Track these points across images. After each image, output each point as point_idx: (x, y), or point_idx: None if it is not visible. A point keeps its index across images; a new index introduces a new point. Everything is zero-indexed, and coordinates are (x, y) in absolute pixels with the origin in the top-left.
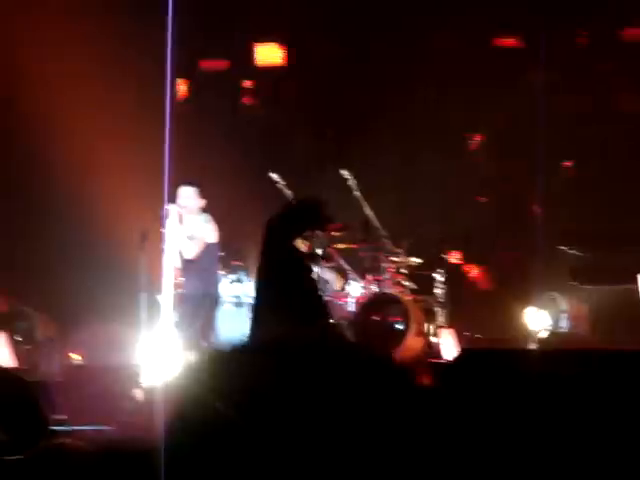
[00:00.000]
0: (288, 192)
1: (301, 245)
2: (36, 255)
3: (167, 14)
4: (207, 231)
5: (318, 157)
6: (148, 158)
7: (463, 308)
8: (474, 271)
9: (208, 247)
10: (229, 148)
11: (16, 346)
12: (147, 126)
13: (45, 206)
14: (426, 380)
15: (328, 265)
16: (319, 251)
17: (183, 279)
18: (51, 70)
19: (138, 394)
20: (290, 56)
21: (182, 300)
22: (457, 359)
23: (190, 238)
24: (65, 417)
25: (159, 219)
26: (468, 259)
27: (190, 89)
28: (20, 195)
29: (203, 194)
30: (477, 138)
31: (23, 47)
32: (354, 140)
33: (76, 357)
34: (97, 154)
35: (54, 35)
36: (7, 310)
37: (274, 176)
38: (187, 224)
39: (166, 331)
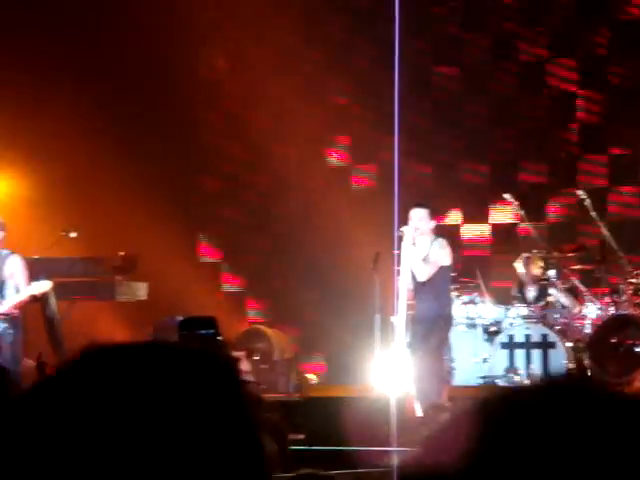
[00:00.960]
0: (522, 212)
1: (536, 268)
2: (276, 279)
3: None
4: (442, 256)
5: (552, 177)
6: (379, 183)
7: None
8: None
9: (442, 269)
10: (461, 168)
11: (254, 365)
12: (376, 150)
13: (285, 234)
14: None
15: (564, 286)
16: (553, 272)
17: (416, 301)
18: (286, 98)
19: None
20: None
21: (415, 321)
22: None
23: (424, 261)
24: (302, 436)
25: (392, 241)
26: None
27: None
28: (267, 228)
29: (434, 215)
30: None
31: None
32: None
33: (312, 377)
34: (331, 180)
35: None
36: (246, 330)
37: (507, 196)
38: (420, 246)
39: (399, 352)
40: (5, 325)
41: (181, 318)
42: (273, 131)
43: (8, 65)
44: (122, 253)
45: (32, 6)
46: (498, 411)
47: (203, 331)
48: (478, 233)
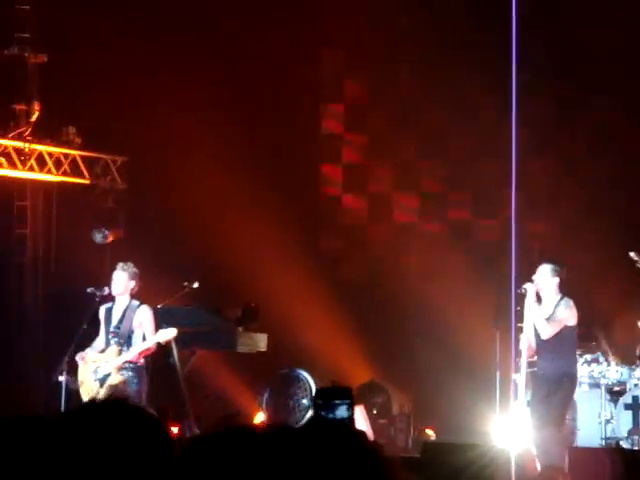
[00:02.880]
0: None
1: None
2: (395, 334)
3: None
4: (568, 316)
5: None
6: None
7: None
8: None
9: (567, 328)
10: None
11: (373, 419)
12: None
13: (400, 293)
14: None
15: None
16: None
17: (538, 359)
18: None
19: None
20: None
21: (537, 380)
22: None
23: (549, 319)
24: None
25: (513, 297)
26: None
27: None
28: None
29: (560, 273)
30: None
31: None
32: None
33: (431, 433)
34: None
35: None
36: (365, 383)
37: (633, 255)
38: (545, 303)
39: (521, 410)
40: (131, 374)
41: (302, 371)
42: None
43: None
44: (243, 304)
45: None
46: None
47: (338, 401)
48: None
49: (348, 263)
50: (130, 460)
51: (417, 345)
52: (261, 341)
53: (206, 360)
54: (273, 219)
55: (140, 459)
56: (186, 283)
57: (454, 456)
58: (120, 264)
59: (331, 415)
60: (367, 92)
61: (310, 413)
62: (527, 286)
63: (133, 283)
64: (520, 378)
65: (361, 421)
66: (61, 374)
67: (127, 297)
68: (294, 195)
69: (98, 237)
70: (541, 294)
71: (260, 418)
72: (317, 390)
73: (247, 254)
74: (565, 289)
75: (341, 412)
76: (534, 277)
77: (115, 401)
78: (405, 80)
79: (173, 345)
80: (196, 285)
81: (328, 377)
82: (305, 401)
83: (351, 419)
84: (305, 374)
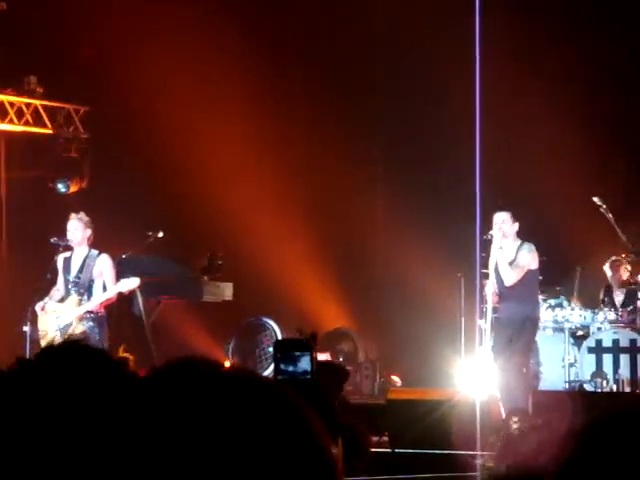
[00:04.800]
0: (609, 216)
1: (624, 272)
2: (361, 282)
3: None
4: (531, 260)
5: None
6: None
7: None
8: None
9: (529, 273)
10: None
11: None
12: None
13: (365, 241)
14: None
15: None
16: None
17: (502, 304)
18: None
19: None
20: None
21: (500, 325)
22: None
23: (511, 265)
24: (386, 438)
25: (477, 244)
26: None
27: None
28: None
29: (516, 218)
30: None
31: None
32: None
33: (396, 379)
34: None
35: None
36: (331, 331)
37: (596, 199)
38: (506, 250)
39: (485, 355)
40: (92, 323)
41: (268, 319)
42: None
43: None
44: (208, 253)
45: None
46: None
47: (298, 353)
48: None
49: (314, 213)
50: (93, 403)
51: (383, 293)
52: (227, 290)
53: (171, 309)
54: (240, 168)
55: (103, 402)
56: (151, 233)
57: (419, 402)
58: (73, 214)
59: (291, 367)
60: None
61: None
62: (492, 233)
63: (89, 232)
64: (485, 324)
65: None
66: (25, 324)
67: (85, 246)
68: (262, 138)
69: (61, 187)
70: (503, 241)
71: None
72: (275, 342)
73: (213, 203)
74: (523, 234)
75: (302, 365)
76: (495, 225)
77: (73, 344)
78: None
79: (138, 294)
80: (161, 234)
81: (294, 325)
82: (271, 349)
83: (312, 371)
84: (271, 322)
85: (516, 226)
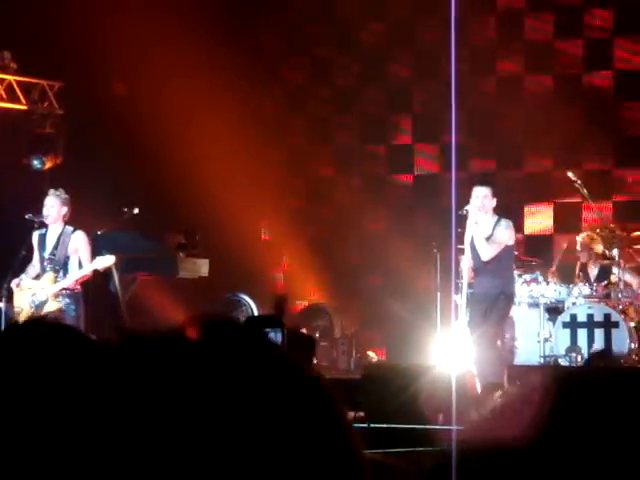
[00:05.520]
0: (585, 192)
1: (598, 246)
2: (336, 257)
3: None
4: (509, 237)
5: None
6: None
7: None
8: None
9: (506, 248)
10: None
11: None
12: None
13: (345, 217)
14: None
15: (627, 265)
16: (615, 252)
17: (477, 279)
18: None
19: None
20: None
21: (475, 300)
22: None
23: (488, 240)
24: (362, 414)
25: (453, 219)
26: None
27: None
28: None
29: (495, 193)
30: None
31: None
32: None
33: (372, 355)
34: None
35: None
36: (307, 307)
37: (571, 174)
38: (483, 225)
39: (461, 330)
40: (68, 300)
41: (243, 295)
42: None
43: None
44: (184, 229)
45: None
46: (576, 386)
47: (269, 329)
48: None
49: (289, 189)
50: (59, 379)
51: (359, 268)
52: (203, 266)
53: (147, 286)
54: (215, 144)
55: (71, 378)
56: (126, 209)
57: (395, 377)
58: (52, 190)
59: None
60: None
61: None
62: (468, 208)
63: (65, 209)
64: (461, 299)
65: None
66: (0, 301)
67: (60, 223)
68: (236, 112)
69: (36, 163)
70: (481, 216)
71: None
72: (247, 319)
73: (189, 179)
74: (500, 210)
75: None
76: (473, 199)
77: (38, 321)
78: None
79: (114, 271)
80: (136, 211)
81: (269, 301)
82: None
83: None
84: (247, 298)
85: (494, 202)
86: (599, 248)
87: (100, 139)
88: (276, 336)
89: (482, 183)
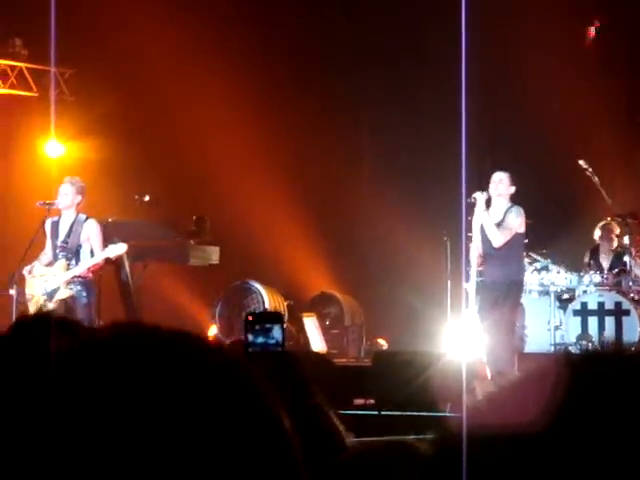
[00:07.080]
0: (596, 179)
1: (611, 235)
2: (347, 245)
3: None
4: (520, 224)
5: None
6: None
7: None
8: None
9: (516, 236)
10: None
11: (325, 330)
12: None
13: (352, 204)
14: None
15: (639, 254)
16: (626, 239)
17: (486, 267)
18: None
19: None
20: None
21: (485, 288)
22: None
23: (498, 226)
24: (372, 401)
25: (463, 206)
26: None
27: None
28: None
29: (513, 180)
30: None
31: None
32: None
33: (383, 342)
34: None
35: None
36: (318, 295)
37: (582, 162)
38: (494, 211)
39: (471, 318)
40: (79, 288)
41: (254, 283)
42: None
43: None
44: (195, 217)
45: None
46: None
47: (269, 325)
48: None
49: (300, 178)
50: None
51: (370, 256)
52: (213, 254)
53: (158, 273)
54: (227, 133)
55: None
56: (137, 196)
57: (405, 365)
58: (67, 178)
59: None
60: None
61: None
62: (476, 195)
63: (80, 197)
64: (470, 287)
65: (314, 331)
66: (12, 287)
67: (73, 211)
68: (248, 102)
69: (50, 150)
70: (493, 201)
71: (213, 330)
72: (247, 314)
73: (200, 167)
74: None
75: (275, 334)
76: (491, 184)
77: (45, 317)
78: None
79: (125, 259)
80: (147, 198)
81: (281, 289)
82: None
83: (283, 341)
84: (257, 285)
85: (512, 189)
86: (612, 236)
87: (110, 126)
88: (276, 331)
89: (501, 169)
